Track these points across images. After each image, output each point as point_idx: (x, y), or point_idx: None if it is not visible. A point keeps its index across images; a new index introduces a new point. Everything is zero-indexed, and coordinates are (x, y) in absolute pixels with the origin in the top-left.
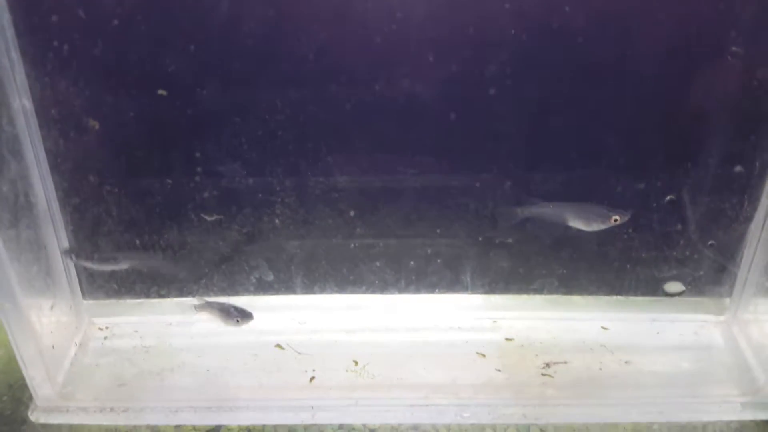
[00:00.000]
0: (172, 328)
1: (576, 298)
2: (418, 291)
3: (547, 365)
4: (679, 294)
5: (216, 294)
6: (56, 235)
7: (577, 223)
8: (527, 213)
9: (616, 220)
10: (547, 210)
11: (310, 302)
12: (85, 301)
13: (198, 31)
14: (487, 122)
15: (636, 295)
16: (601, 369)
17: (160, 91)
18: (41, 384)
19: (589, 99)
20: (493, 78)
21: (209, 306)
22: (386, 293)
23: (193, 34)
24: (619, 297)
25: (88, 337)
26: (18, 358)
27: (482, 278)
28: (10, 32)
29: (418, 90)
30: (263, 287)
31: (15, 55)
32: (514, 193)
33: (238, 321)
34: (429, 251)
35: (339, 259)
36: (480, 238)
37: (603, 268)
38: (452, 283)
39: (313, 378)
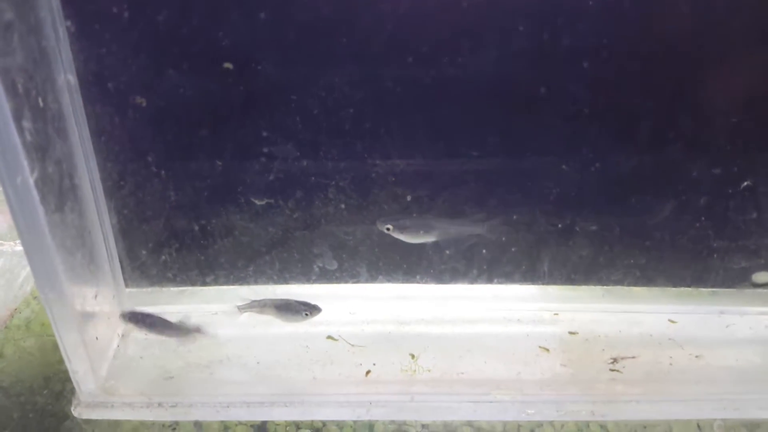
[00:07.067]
0: (218, 317)
1: (637, 290)
2: (473, 281)
3: (615, 360)
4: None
5: (264, 282)
6: (100, 218)
7: None
8: None
9: None
10: None
11: (359, 292)
12: (127, 290)
13: (253, 2)
14: (557, 101)
15: (702, 286)
16: (671, 364)
17: (226, 65)
18: (84, 378)
19: (667, 81)
20: (567, 54)
21: (258, 304)
22: (439, 283)
23: (249, 6)
24: (683, 288)
25: (131, 328)
26: (62, 350)
27: (540, 269)
28: (56, 3)
29: (478, 69)
30: (311, 276)
31: (61, 28)
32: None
33: (306, 315)
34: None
35: (392, 246)
36: (538, 226)
37: (668, 259)
38: (508, 274)
39: (369, 372)
